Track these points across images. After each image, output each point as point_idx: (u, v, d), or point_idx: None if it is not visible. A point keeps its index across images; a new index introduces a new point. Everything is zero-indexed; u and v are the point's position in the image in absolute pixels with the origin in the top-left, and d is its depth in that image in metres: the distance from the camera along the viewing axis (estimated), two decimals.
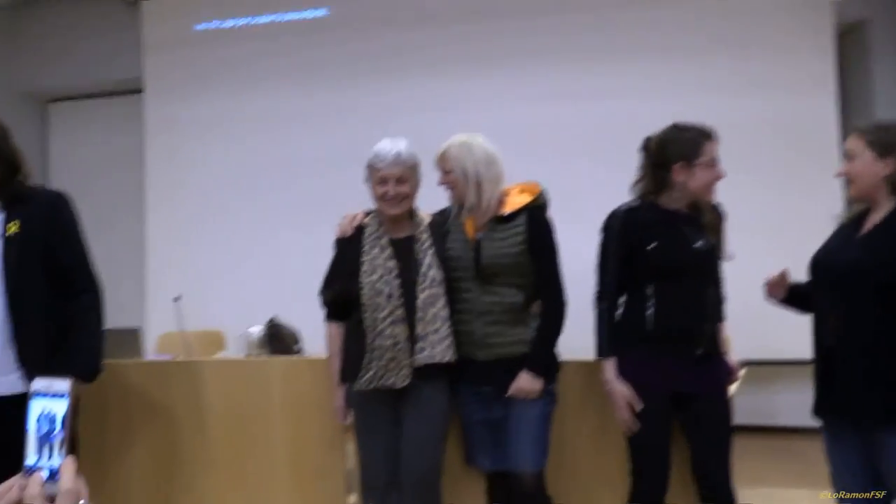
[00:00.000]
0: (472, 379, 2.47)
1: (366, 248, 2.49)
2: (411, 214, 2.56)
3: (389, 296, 2.41)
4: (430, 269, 2.43)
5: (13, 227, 2.27)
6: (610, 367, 2.37)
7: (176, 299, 3.45)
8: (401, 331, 2.39)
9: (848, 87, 4.93)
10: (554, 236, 2.48)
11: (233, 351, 3.81)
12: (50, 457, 0.91)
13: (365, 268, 2.45)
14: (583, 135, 4.81)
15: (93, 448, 2.91)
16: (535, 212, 2.46)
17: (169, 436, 2.93)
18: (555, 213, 2.52)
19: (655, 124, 2.47)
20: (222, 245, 5.26)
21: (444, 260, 2.47)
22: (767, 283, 2.36)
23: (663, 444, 2.35)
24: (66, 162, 6.06)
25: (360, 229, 2.55)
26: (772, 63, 4.68)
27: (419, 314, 2.39)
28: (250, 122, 5.31)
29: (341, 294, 2.51)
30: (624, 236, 2.38)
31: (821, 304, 2.19)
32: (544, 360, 2.43)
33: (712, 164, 2.35)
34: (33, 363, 2.25)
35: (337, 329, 2.60)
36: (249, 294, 4.81)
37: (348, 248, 2.53)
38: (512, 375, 2.41)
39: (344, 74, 5.19)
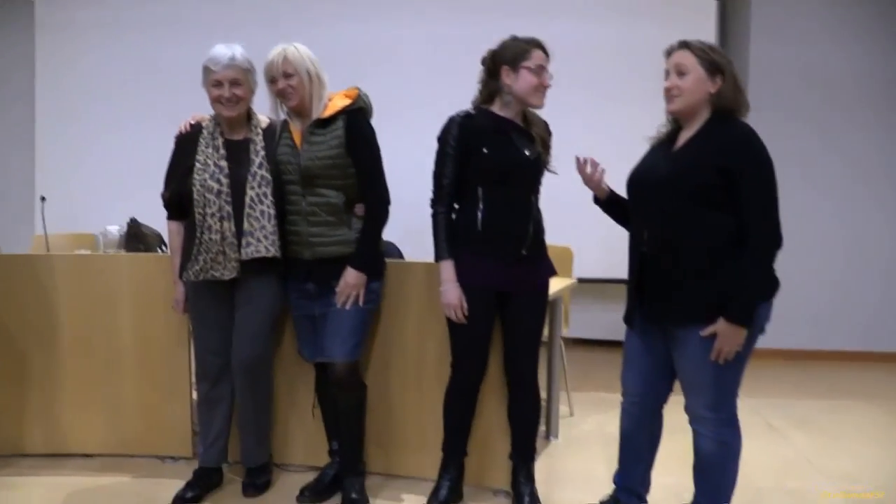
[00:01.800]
0: (297, 276, 2.65)
1: (201, 147, 2.61)
2: (249, 117, 2.67)
3: (218, 193, 2.54)
4: (260, 170, 2.57)
5: None
6: (447, 268, 2.51)
7: (42, 199, 3.51)
8: (228, 226, 2.54)
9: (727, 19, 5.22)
10: (373, 137, 2.60)
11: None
12: None
13: (198, 166, 2.58)
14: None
15: None
16: (354, 114, 2.57)
17: (16, 324, 3.06)
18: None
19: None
20: (111, 150, 5.26)
21: (274, 163, 2.60)
22: (578, 167, 2.42)
23: (481, 335, 2.55)
24: None
25: (198, 130, 2.65)
26: None
27: (247, 210, 2.54)
28: (141, 26, 5.26)
29: (176, 192, 2.63)
30: (459, 141, 2.50)
31: (636, 218, 2.31)
32: (368, 258, 2.60)
33: (539, 71, 2.47)
34: None
35: (176, 226, 2.73)
36: (133, 198, 4.86)
37: (185, 148, 2.64)
38: (332, 274, 2.58)
39: None
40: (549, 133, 2.63)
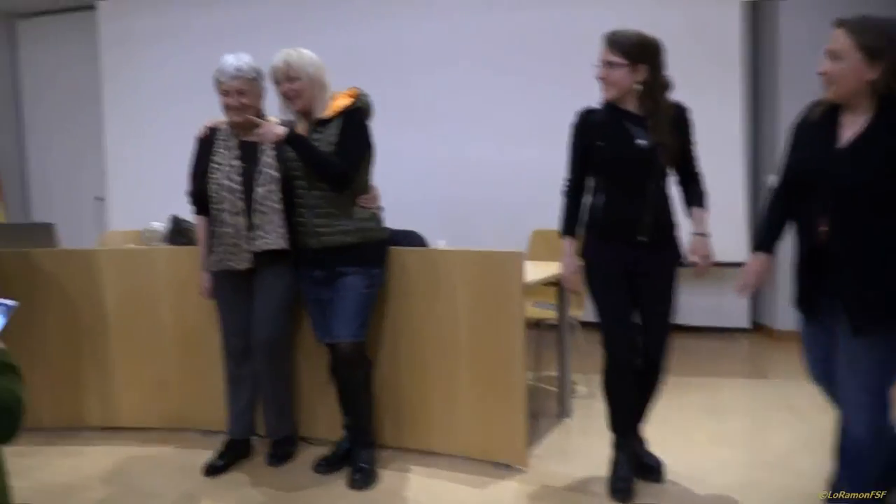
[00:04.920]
0: (307, 264, 2.89)
1: (218, 148, 2.88)
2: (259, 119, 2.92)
3: (232, 190, 2.81)
4: (267, 168, 2.82)
5: None
6: (565, 244, 2.70)
7: (98, 199, 3.90)
8: (240, 221, 2.81)
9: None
10: (362, 131, 2.79)
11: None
12: None
13: (214, 166, 2.85)
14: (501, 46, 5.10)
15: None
16: (351, 113, 2.77)
17: (73, 312, 3.44)
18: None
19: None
20: (171, 148, 5.66)
21: (283, 161, 2.85)
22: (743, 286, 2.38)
23: (621, 313, 2.63)
24: (34, 73, 6.45)
25: (215, 132, 2.93)
26: None
27: (256, 206, 2.80)
28: (198, 32, 5.63)
29: (198, 189, 2.92)
30: (578, 135, 2.65)
31: (806, 209, 2.14)
32: (294, 140, 2.71)
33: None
34: None
35: (202, 221, 3.02)
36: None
37: (204, 149, 2.93)
38: (337, 262, 2.81)
39: None
40: (682, 120, 2.61)
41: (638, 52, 2.50)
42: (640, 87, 2.53)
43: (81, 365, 3.46)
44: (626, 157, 2.56)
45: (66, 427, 3.49)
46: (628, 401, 2.72)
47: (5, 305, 1.73)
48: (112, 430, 3.48)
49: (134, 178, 5.75)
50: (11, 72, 6.49)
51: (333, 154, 2.73)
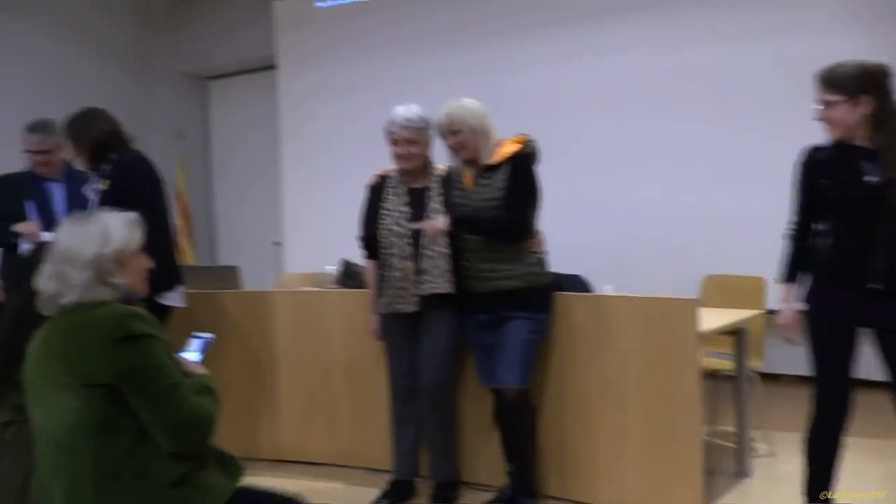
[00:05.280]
0: (472, 308, 2.90)
1: (387, 195, 2.99)
2: (427, 167, 3.00)
3: (401, 235, 2.90)
4: (435, 214, 2.88)
5: (104, 185, 3.06)
6: (783, 291, 2.55)
7: (276, 244, 4.15)
8: (408, 265, 2.88)
9: None
10: (531, 177, 2.80)
11: None
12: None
13: (384, 212, 2.96)
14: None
15: None
16: (519, 159, 2.80)
17: (251, 350, 3.67)
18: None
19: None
20: (343, 196, 5.94)
21: (449, 207, 2.90)
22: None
23: (838, 365, 2.42)
24: (223, 129, 7.08)
25: (385, 180, 3.04)
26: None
27: (423, 251, 2.86)
28: (368, 88, 5.92)
29: (369, 235, 3.03)
30: (804, 173, 2.48)
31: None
32: (464, 222, 2.79)
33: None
34: None
35: (372, 265, 3.13)
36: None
37: (375, 196, 3.04)
38: (502, 306, 2.80)
39: (458, 38, 5.57)
40: None
41: (857, 84, 2.29)
42: (866, 119, 2.32)
43: (256, 399, 3.67)
44: (853, 196, 2.35)
45: (240, 457, 3.67)
46: (831, 464, 2.48)
47: (204, 338, 1.93)
48: (280, 463, 3.64)
49: (308, 223, 6.08)
50: (203, 128, 7.14)
51: (502, 201, 2.75)
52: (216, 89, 7.18)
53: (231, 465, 1.86)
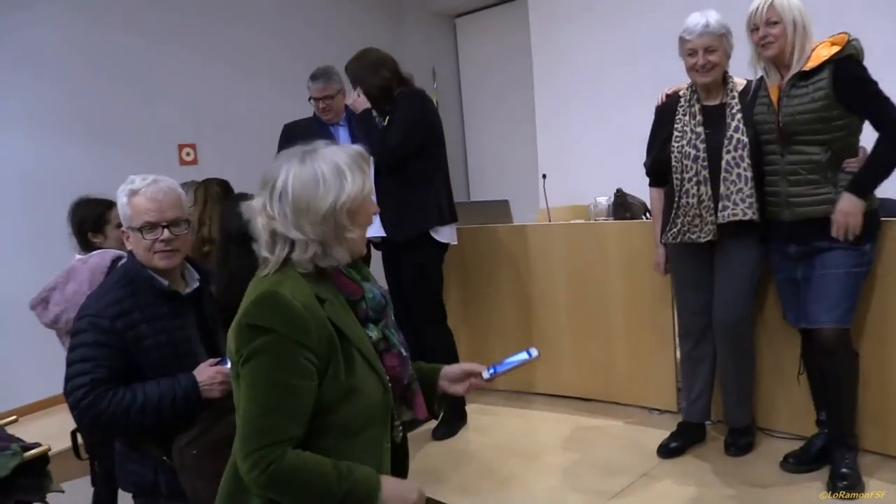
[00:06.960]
0: (778, 238, 2.58)
1: (679, 115, 2.72)
2: (725, 81, 2.68)
3: (696, 158, 2.63)
4: (736, 133, 2.58)
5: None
6: None
7: (543, 177, 4.05)
8: (705, 190, 2.62)
9: None
10: (867, 77, 2.36)
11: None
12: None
13: (676, 134, 2.70)
14: None
15: (467, 290, 3.76)
16: (841, 63, 2.37)
17: (525, 285, 3.63)
18: None
19: None
20: (600, 128, 5.71)
21: (751, 124, 2.57)
22: None
23: None
24: (472, 65, 7.10)
25: (675, 99, 2.78)
26: None
27: (723, 175, 2.58)
28: (618, 5, 5.57)
29: (657, 160, 2.80)
30: None
31: None
32: (865, 181, 2.39)
33: None
34: None
35: (658, 193, 2.91)
36: (621, 171, 5.23)
37: (663, 117, 2.79)
38: (815, 236, 2.45)
39: None
40: None
41: None
42: None
43: (532, 334, 3.63)
44: None
45: (517, 391, 3.71)
46: None
47: (529, 354, 1.60)
48: (556, 398, 3.61)
49: (565, 156, 5.93)
50: (454, 65, 7.21)
51: (839, 123, 2.40)
52: (464, 25, 7.18)
53: None
